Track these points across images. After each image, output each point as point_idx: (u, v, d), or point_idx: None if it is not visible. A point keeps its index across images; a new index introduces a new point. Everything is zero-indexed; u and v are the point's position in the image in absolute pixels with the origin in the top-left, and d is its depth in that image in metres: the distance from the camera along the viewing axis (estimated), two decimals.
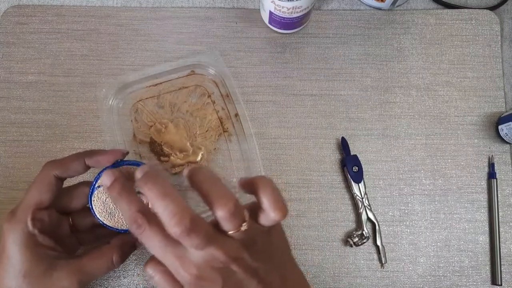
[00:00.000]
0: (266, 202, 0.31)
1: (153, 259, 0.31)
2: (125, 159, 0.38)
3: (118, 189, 0.31)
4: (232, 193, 0.29)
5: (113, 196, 0.31)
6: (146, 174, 0.29)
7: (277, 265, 0.32)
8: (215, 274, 0.29)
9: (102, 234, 0.40)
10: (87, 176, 0.44)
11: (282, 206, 0.31)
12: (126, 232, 0.38)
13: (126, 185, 0.31)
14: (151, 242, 0.29)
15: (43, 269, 0.35)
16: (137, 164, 0.37)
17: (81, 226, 0.39)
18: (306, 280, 0.35)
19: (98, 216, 0.37)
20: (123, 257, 0.38)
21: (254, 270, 0.30)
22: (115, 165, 0.37)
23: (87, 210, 0.40)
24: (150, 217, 0.29)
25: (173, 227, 0.27)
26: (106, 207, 0.37)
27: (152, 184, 0.28)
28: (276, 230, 0.33)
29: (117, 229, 0.38)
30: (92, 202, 0.37)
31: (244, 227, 0.30)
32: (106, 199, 0.37)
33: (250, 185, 0.32)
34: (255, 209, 0.32)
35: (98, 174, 0.37)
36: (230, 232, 0.29)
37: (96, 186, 0.37)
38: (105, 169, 0.37)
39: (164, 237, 0.29)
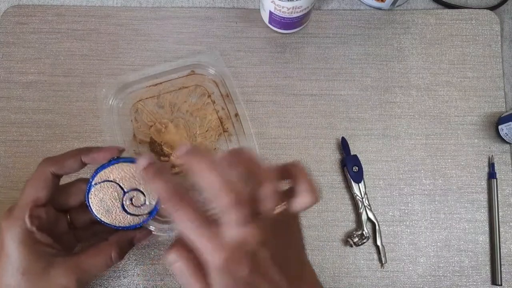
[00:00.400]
0: (303, 185, 0.31)
1: (177, 244, 0.30)
2: (122, 156, 0.38)
3: (153, 170, 0.31)
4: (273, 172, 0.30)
5: (149, 177, 0.31)
6: (192, 149, 0.29)
7: (297, 257, 0.32)
8: (245, 259, 0.28)
9: (100, 231, 0.40)
10: (85, 173, 0.44)
11: (317, 191, 0.31)
12: (124, 229, 0.38)
13: (161, 167, 0.31)
14: (185, 222, 0.28)
15: (41, 266, 0.35)
16: (133, 161, 0.37)
17: (79, 223, 0.39)
18: (321, 285, 0.35)
19: (95, 213, 0.37)
20: (122, 254, 0.38)
21: (281, 258, 0.29)
22: (112, 162, 0.37)
23: (85, 206, 0.40)
24: (185, 197, 0.29)
25: (223, 198, 0.27)
26: (103, 204, 0.37)
27: (200, 157, 0.28)
28: (297, 222, 0.33)
29: (115, 226, 0.38)
30: (89, 199, 0.37)
31: (282, 207, 0.30)
32: (103, 197, 0.37)
33: (286, 171, 0.32)
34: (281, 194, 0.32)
35: (95, 171, 0.37)
36: (266, 212, 0.29)
37: (93, 183, 0.37)
38: (102, 166, 0.37)
39: (199, 217, 0.28)
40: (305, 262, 0.34)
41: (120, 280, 0.45)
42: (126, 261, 0.46)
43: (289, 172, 0.32)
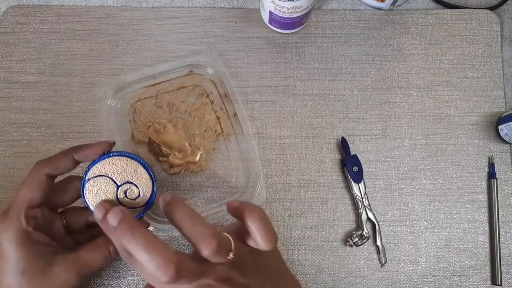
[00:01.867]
0: (255, 232, 0.31)
1: None
2: (113, 150, 0.38)
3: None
4: (213, 229, 0.30)
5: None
6: (122, 221, 0.30)
7: (271, 278, 0.33)
8: None
9: (98, 234, 0.40)
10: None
11: (271, 237, 0.32)
12: None
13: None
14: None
15: (40, 265, 0.35)
16: (125, 154, 0.38)
17: (75, 226, 0.39)
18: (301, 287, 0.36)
19: (92, 208, 0.37)
20: None
21: (245, 286, 0.31)
22: (103, 156, 0.37)
23: (79, 209, 0.40)
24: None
25: (161, 277, 0.28)
26: (98, 199, 0.37)
27: (131, 236, 0.29)
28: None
29: None
30: (85, 195, 0.37)
31: (230, 256, 0.30)
32: (97, 191, 0.37)
33: (238, 212, 0.33)
34: (242, 230, 0.33)
35: (88, 167, 0.37)
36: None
37: (86, 179, 0.37)
38: (94, 161, 0.37)
39: None
40: (284, 276, 0.35)
41: (120, 280, 0.45)
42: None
43: (243, 216, 0.32)
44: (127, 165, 0.37)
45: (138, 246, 0.29)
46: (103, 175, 0.37)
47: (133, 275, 0.45)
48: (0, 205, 0.47)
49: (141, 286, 0.45)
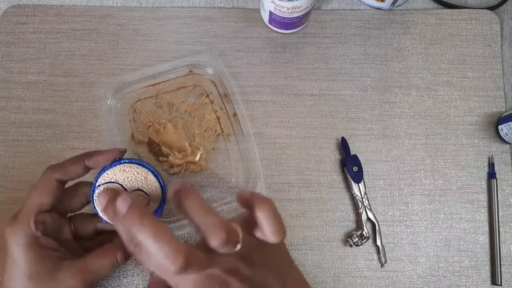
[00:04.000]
0: (265, 225, 0.31)
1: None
2: (124, 157, 0.38)
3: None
4: (223, 220, 0.30)
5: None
6: (132, 208, 0.30)
7: (276, 271, 0.33)
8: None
9: (106, 241, 0.40)
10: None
11: (281, 229, 0.31)
12: None
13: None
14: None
15: (48, 269, 0.35)
16: (136, 162, 0.37)
17: (84, 233, 0.39)
18: (308, 283, 0.35)
19: (101, 214, 0.37)
20: (127, 255, 0.38)
21: (250, 278, 0.30)
22: (114, 163, 0.37)
23: (88, 216, 0.40)
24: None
25: (170, 267, 0.28)
26: None
27: (140, 224, 0.28)
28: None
29: None
30: (94, 201, 0.37)
31: (238, 247, 0.30)
32: None
33: (248, 203, 0.32)
34: (250, 222, 0.33)
35: (98, 173, 0.37)
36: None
37: (96, 185, 0.37)
38: (105, 168, 0.37)
39: None
40: (289, 270, 0.35)
41: (120, 280, 0.45)
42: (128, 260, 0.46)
43: (253, 207, 0.32)
44: (137, 172, 0.37)
45: (147, 235, 0.28)
46: (113, 182, 0.37)
47: (133, 275, 0.45)
48: (0, 205, 0.47)
49: (141, 286, 0.45)
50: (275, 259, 0.34)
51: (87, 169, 0.38)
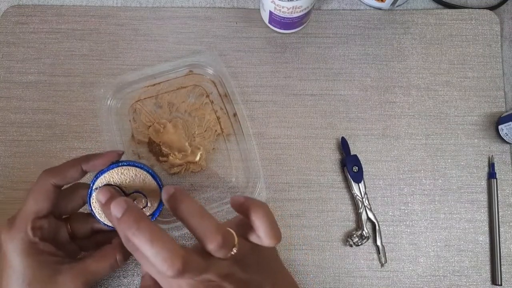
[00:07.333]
0: (261, 229, 0.31)
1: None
2: (122, 159, 0.38)
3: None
4: (219, 224, 0.30)
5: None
6: (127, 213, 0.29)
7: (268, 274, 0.33)
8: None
9: (103, 240, 0.40)
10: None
11: (277, 234, 0.32)
12: None
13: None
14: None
15: (47, 275, 0.35)
16: (134, 164, 0.37)
17: (80, 233, 0.39)
18: (297, 284, 0.36)
19: (98, 217, 0.37)
20: (126, 256, 0.38)
21: (245, 282, 0.31)
22: (112, 166, 0.37)
23: (84, 216, 0.40)
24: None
25: (166, 272, 0.27)
26: None
27: (137, 229, 0.28)
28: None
29: None
30: (91, 204, 0.37)
31: (234, 251, 0.30)
32: None
33: (243, 208, 0.32)
34: (243, 226, 0.33)
35: (95, 176, 0.37)
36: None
37: (93, 188, 0.36)
38: (102, 171, 0.37)
39: None
40: (280, 272, 0.35)
41: (120, 280, 0.45)
42: (126, 261, 0.46)
43: (248, 211, 0.32)
44: (135, 175, 0.37)
45: (143, 240, 0.28)
46: (111, 185, 0.36)
47: (133, 275, 0.45)
48: (0, 205, 0.47)
49: None
50: (269, 263, 0.34)
51: (84, 173, 0.37)
